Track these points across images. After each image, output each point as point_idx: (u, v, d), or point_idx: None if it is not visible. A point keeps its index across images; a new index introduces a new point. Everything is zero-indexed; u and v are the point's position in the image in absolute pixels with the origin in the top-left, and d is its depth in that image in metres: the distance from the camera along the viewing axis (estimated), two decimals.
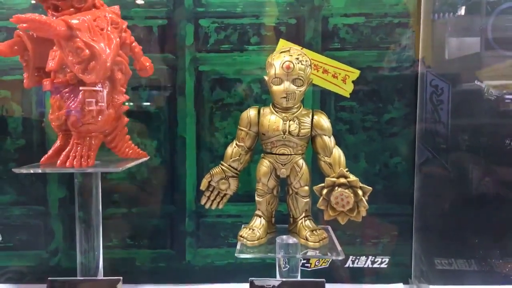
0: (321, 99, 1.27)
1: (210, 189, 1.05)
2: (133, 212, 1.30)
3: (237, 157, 1.03)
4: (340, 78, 1.24)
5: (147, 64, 1.13)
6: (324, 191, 0.96)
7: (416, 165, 1.28)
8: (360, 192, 0.95)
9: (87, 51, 0.87)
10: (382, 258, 1.30)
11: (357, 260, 1.30)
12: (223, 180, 1.04)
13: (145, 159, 1.14)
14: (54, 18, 0.95)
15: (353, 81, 1.23)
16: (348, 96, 1.23)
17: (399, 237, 1.29)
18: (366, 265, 1.29)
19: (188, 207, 1.30)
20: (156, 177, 1.29)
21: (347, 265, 1.30)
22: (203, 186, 1.05)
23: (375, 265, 1.30)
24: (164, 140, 1.29)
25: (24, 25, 0.85)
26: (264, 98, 1.27)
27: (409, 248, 1.29)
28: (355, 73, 1.23)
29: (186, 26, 1.26)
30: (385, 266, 1.30)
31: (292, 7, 1.26)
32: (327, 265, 1.29)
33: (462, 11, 1.24)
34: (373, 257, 1.30)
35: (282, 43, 1.24)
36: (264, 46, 1.26)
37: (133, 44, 1.09)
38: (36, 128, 1.28)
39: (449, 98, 1.25)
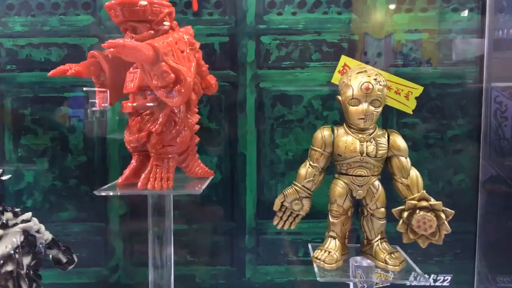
0: (383, 115, 1.26)
1: (283, 209, 1.05)
2: (193, 229, 1.30)
3: (311, 178, 1.03)
4: (403, 94, 1.22)
5: (212, 82, 1.14)
6: (405, 214, 0.96)
7: (480, 182, 1.26)
8: (443, 215, 0.94)
9: (172, 75, 0.87)
10: (444, 277, 1.28)
11: (419, 278, 1.28)
12: (297, 201, 1.04)
13: (211, 177, 1.14)
14: (133, 40, 0.95)
15: (416, 98, 1.22)
16: (411, 112, 1.22)
17: (462, 255, 1.28)
18: (428, 284, 1.28)
19: (248, 223, 1.29)
20: (216, 193, 1.29)
21: (408, 283, 1.28)
22: (276, 206, 1.05)
23: (437, 283, 1.28)
24: (224, 157, 1.28)
25: (112, 49, 0.84)
26: (325, 114, 1.27)
27: (471, 266, 1.28)
28: (418, 90, 1.21)
29: (248, 43, 1.25)
30: (447, 284, 1.28)
31: (354, 23, 1.25)
32: (389, 284, 1.28)
33: None
34: (435, 275, 1.28)
35: (344, 60, 1.23)
36: (325, 62, 1.26)
37: (201, 62, 1.09)
38: (98, 145, 1.28)
39: None
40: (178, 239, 1.29)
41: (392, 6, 1.24)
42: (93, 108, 1.02)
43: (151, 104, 0.94)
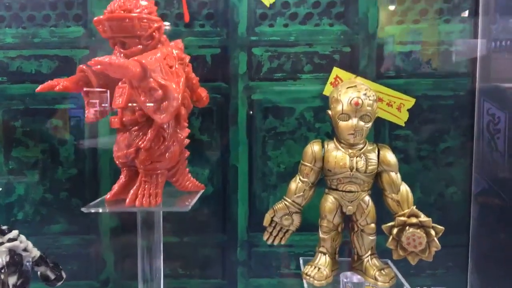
0: (375, 127, 1.25)
1: (273, 224, 1.04)
2: (184, 241, 1.29)
3: (301, 193, 1.02)
4: (395, 106, 1.23)
5: (203, 95, 1.13)
6: (395, 230, 0.95)
7: (473, 195, 1.26)
8: (432, 232, 0.93)
9: (160, 91, 0.87)
10: None
11: None
12: (287, 216, 1.03)
13: (202, 191, 1.13)
14: (121, 55, 0.95)
15: (408, 110, 1.22)
16: (403, 124, 1.22)
17: (454, 268, 1.28)
18: None
19: (240, 236, 1.29)
20: (208, 206, 1.28)
21: None
22: (266, 222, 1.04)
23: None
24: (216, 169, 1.28)
25: (99, 66, 0.84)
26: (317, 126, 1.26)
27: (464, 279, 1.27)
28: (410, 102, 1.22)
29: (239, 54, 1.25)
30: None
31: (346, 35, 1.24)
32: None
33: None
34: None
35: (336, 72, 1.23)
36: (317, 74, 1.25)
37: (191, 75, 1.09)
38: (89, 158, 1.27)
39: (506, 127, 1.23)
40: (169, 252, 1.28)
41: (384, 18, 1.23)
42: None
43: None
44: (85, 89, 0.98)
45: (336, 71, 1.23)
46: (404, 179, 1.22)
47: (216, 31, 1.25)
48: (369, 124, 0.98)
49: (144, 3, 0.94)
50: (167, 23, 1.25)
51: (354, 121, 0.96)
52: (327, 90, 1.21)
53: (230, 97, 1.26)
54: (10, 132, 1.27)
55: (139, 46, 0.93)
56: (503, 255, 1.24)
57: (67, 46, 1.26)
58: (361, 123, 0.96)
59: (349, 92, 0.98)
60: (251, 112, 1.25)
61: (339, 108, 0.97)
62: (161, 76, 0.88)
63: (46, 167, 1.28)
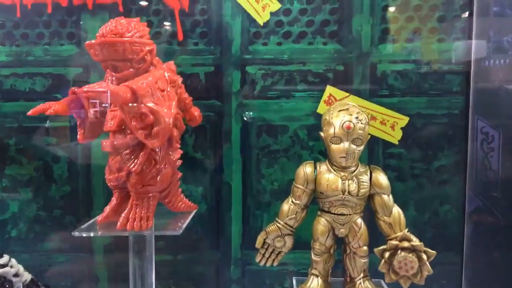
0: (368, 146, 1.24)
1: (265, 246, 1.04)
2: (178, 259, 1.29)
3: (294, 215, 1.02)
4: (389, 125, 1.23)
5: (196, 114, 1.13)
6: (386, 254, 0.95)
7: (467, 213, 1.25)
8: (424, 256, 0.93)
9: (151, 116, 0.87)
10: None
11: None
12: (279, 238, 1.03)
13: (195, 211, 1.13)
14: (113, 78, 0.95)
15: (401, 128, 1.22)
16: (397, 143, 1.22)
17: (448, 286, 1.27)
18: None
19: (233, 254, 1.28)
20: (201, 223, 1.28)
21: None
22: (258, 244, 1.04)
23: None
24: (210, 187, 1.28)
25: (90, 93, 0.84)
26: (311, 144, 1.26)
27: None
28: (404, 120, 1.22)
29: (233, 73, 1.25)
30: None
31: (339, 54, 1.24)
32: None
33: None
34: None
35: (329, 90, 1.23)
36: (311, 92, 1.25)
37: (184, 95, 1.09)
38: (82, 175, 1.27)
39: (499, 145, 1.23)
40: (163, 270, 1.28)
41: (377, 37, 1.23)
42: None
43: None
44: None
45: (329, 89, 1.23)
46: (398, 197, 1.22)
47: (209, 49, 1.25)
48: (361, 147, 0.98)
49: (135, 26, 0.94)
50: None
51: (346, 144, 0.96)
52: (321, 108, 1.21)
53: (223, 115, 1.26)
54: (4, 150, 1.27)
55: (130, 69, 0.94)
56: (497, 273, 1.24)
57: (60, 64, 1.26)
58: (353, 146, 0.96)
59: (341, 115, 0.97)
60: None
61: (331, 131, 0.97)
62: (152, 100, 0.88)
63: (39, 184, 1.28)
